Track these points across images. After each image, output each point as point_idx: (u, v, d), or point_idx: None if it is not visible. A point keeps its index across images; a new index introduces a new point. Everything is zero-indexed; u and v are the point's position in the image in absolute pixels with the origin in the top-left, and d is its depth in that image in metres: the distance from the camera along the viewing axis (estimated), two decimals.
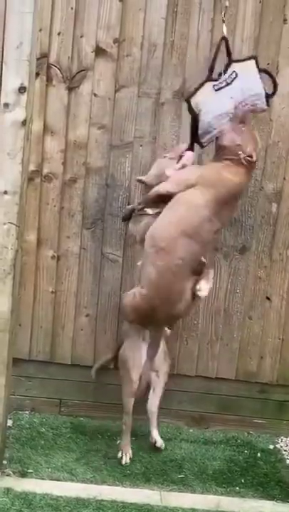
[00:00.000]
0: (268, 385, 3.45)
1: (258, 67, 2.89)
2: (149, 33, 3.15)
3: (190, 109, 2.84)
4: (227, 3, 2.92)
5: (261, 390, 3.46)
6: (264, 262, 3.35)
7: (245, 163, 2.82)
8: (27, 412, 3.42)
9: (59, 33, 3.14)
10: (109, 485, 2.98)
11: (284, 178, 3.29)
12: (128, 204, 3.25)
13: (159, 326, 3.03)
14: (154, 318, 2.91)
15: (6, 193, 2.71)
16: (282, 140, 3.25)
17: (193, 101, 2.83)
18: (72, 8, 3.11)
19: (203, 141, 2.88)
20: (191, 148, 2.90)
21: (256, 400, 3.47)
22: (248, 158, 2.83)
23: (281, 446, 3.41)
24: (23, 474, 2.98)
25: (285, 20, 3.15)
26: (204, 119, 2.84)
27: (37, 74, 3.05)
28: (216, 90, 2.84)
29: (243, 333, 3.39)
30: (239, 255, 3.32)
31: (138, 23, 3.13)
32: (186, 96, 2.93)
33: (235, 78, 2.85)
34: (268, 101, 2.91)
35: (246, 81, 2.86)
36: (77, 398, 3.43)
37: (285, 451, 3.38)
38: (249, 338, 3.41)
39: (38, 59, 3.00)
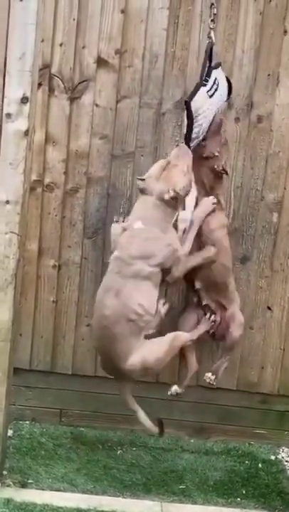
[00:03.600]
0: (269, 396, 3.44)
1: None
2: (150, 44, 3.17)
3: (189, 112, 2.85)
4: (215, 11, 2.96)
5: (262, 400, 3.45)
6: (265, 271, 3.35)
7: (219, 174, 2.98)
8: (27, 422, 3.41)
9: (61, 44, 3.16)
10: (109, 495, 2.96)
11: (284, 188, 3.30)
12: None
13: None
14: None
15: (7, 202, 2.72)
16: (283, 150, 3.26)
17: (194, 105, 2.85)
18: (74, 20, 3.14)
19: (191, 145, 2.91)
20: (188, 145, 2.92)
21: (257, 410, 3.46)
22: (222, 171, 2.98)
23: (282, 457, 3.39)
24: (24, 485, 2.97)
25: (285, 31, 3.17)
26: (202, 124, 2.88)
27: (39, 84, 3.07)
28: (209, 96, 2.89)
29: (244, 343, 3.38)
30: (240, 265, 3.32)
31: (139, 34, 3.16)
32: (185, 98, 2.93)
33: (218, 85, 2.94)
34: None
35: (222, 88, 2.98)
36: (77, 408, 3.42)
37: (286, 461, 3.37)
38: (250, 348, 3.40)
39: (40, 69, 3.01)
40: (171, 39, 3.16)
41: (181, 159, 2.86)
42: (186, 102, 2.86)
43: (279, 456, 3.39)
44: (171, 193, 2.79)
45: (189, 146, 2.90)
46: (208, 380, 3.07)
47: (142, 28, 3.15)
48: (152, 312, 2.83)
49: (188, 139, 2.88)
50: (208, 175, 2.98)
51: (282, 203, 3.31)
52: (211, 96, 2.89)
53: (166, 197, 2.79)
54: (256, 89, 3.20)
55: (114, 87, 3.20)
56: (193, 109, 2.84)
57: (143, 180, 2.86)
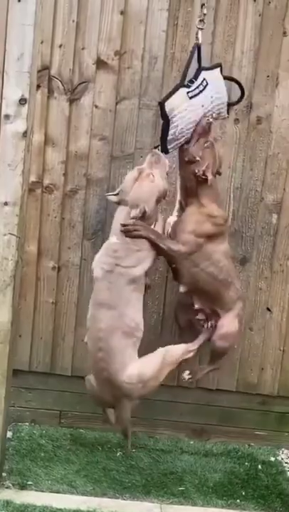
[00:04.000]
0: (268, 397, 3.44)
1: (221, 74, 2.96)
2: (149, 46, 3.17)
3: (163, 113, 2.82)
4: (205, 11, 2.94)
5: (262, 401, 3.45)
6: (264, 272, 3.35)
7: (199, 179, 2.85)
8: (27, 424, 3.40)
9: (60, 46, 3.16)
10: (109, 497, 2.96)
11: (284, 189, 3.30)
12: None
13: None
14: None
15: (6, 204, 2.72)
16: (282, 151, 3.26)
17: (168, 106, 2.81)
18: (73, 21, 3.14)
19: (169, 147, 2.85)
20: (165, 152, 2.86)
21: (257, 411, 3.46)
22: (202, 177, 2.84)
23: (282, 459, 3.39)
24: (23, 486, 2.96)
25: (284, 32, 3.17)
26: (177, 125, 2.82)
27: (38, 86, 3.07)
28: (190, 98, 2.84)
29: (244, 345, 3.39)
30: (240, 266, 3.32)
31: (139, 36, 3.16)
32: (160, 100, 2.88)
33: (206, 86, 2.87)
34: (228, 109, 2.99)
35: (215, 89, 2.90)
36: (77, 410, 3.42)
37: (286, 463, 3.36)
38: (250, 350, 3.40)
39: (39, 71, 3.02)
40: (170, 40, 3.16)
41: (154, 167, 2.82)
42: (159, 103, 2.83)
43: (279, 458, 3.38)
44: (138, 212, 2.75)
45: (167, 149, 2.85)
46: (183, 379, 3.01)
47: (141, 29, 3.15)
48: (141, 326, 2.82)
49: (164, 140, 2.84)
50: (191, 179, 2.87)
51: (281, 204, 3.31)
52: (191, 97, 2.82)
53: (133, 214, 2.75)
54: (255, 91, 3.20)
55: (114, 89, 3.20)
56: (167, 109, 2.80)
57: (116, 195, 2.84)
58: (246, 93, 3.17)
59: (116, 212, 2.86)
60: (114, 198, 2.85)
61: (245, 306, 3.17)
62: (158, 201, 2.82)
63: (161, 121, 2.82)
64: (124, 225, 2.77)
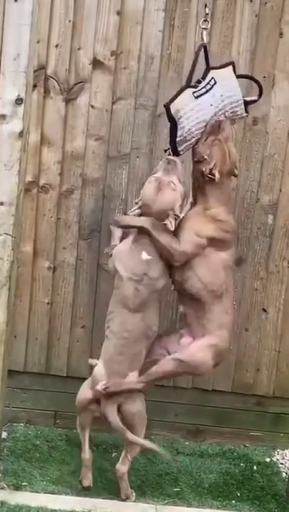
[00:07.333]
0: (264, 398, 3.44)
1: (235, 72, 2.91)
2: (146, 46, 3.17)
3: (169, 116, 2.81)
4: (207, 10, 2.94)
5: (257, 402, 3.45)
6: (260, 273, 3.36)
7: (207, 179, 2.81)
8: (22, 424, 3.40)
9: (57, 45, 3.16)
10: (104, 498, 2.95)
11: (280, 190, 3.30)
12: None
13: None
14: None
15: (2, 203, 2.71)
16: (278, 152, 3.27)
17: (173, 107, 2.79)
18: (70, 21, 3.13)
19: (180, 149, 2.83)
20: (175, 154, 2.85)
21: (252, 412, 3.46)
22: (209, 175, 2.81)
23: (277, 459, 3.39)
24: (18, 487, 2.95)
25: (281, 33, 3.17)
26: (185, 126, 2.80)
27: (34, 86, 3.07)
28: (196, 97, 2.82)
29: (240, 345, 3.39)
30: (235, 267, 3.30)
31: (135, 36, 3.16)
32: (165, 102, 2.87)
33: (214, 85, 2.84)
34: (246, 107, 2.93)
35: (225, 88, 2.86)
36: (72, 410, 3.37)
37: (281, 464, 3.37)
38: (245, 350, 3.40)
39: (35, 71, 3.01)
40: (166, 41, 3.16)
41: (171, 173, 2.82)
42: (164, 105, 2.82)
43: (274, 459, 3.39)
44: (172, 222, 2.79)
45: (178, 151, 2.83)
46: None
47: (137, 29, 3.15)
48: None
49: (173, 143, 2.82)
50: (199, 178, 2.84)
51: (277, 205, 3.31)
52: (197, 97, 2.80)
53: (171, 228, 2.79)
54: (252, 91, 3.19)
55: (110, 89, 3.20)
56: (173, 111, 2.78)
57: (138, 208, 2.85)
58: (242, 94, 3.15)
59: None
60: (138, 212, 2.86)
61: (229, 341, 2.94)
62: (181, 206, 2.83)
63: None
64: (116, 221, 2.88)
